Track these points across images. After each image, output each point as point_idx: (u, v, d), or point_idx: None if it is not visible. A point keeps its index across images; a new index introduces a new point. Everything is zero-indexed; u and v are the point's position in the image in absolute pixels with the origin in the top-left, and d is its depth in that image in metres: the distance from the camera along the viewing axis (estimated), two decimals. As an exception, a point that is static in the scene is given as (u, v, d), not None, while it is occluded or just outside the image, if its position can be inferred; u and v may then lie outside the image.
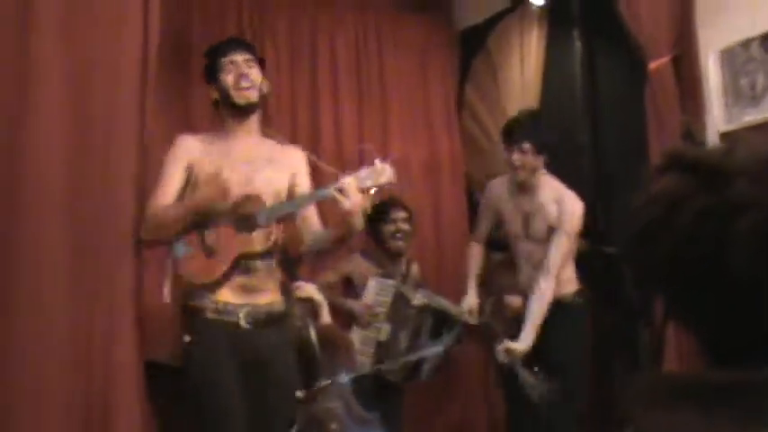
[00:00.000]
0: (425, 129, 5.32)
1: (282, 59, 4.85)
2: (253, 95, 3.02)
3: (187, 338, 2.89)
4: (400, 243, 4.25)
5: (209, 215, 2.89)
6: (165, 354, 3.21)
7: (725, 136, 3.72)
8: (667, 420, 0.89)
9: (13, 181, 2.39)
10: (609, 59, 4.68)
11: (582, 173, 4.72)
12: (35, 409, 2.37)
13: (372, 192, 2.97)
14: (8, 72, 2.43)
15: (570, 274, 3.95)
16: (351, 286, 4.25)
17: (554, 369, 3.71)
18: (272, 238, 2.98)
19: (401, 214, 4.25)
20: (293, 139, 4.37)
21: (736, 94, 3.77)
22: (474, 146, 5.35)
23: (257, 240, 2.94)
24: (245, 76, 3.02)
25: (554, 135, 4.06)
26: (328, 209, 4.54)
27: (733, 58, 3.79)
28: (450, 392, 4.89)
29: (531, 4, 4.93)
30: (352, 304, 4.10)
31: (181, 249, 2.91)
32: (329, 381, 3.58)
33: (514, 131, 3.96)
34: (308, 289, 3.68)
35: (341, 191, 2.86)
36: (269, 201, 3.01)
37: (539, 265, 3.83)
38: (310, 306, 3.64)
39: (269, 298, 3.01)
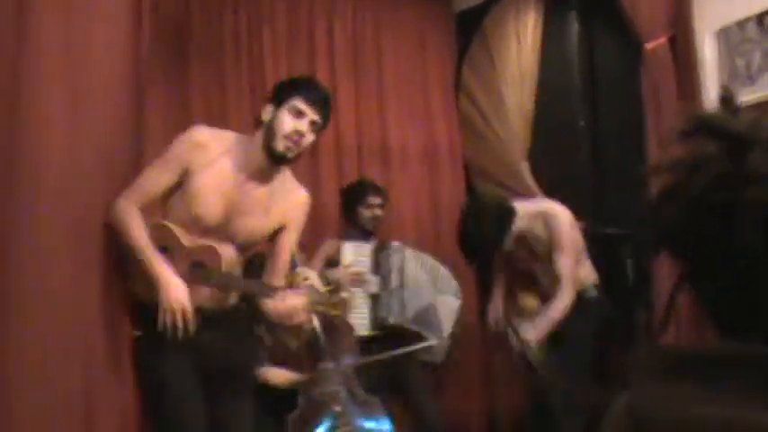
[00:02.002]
0: (423, 112, 5.31)
1: (280, 44, 4.84)
2: (290, 155, 2.84)
3: (137, 333, 2.82)
4: (375, 224, 4.40)
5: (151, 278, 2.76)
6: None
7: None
8: (664, 391, 0.89)
9: (8, 172, 2.39)
10: (606, 41, 4.68)
11: (580, 155, 4.73)
12: (35, 401, 2.38)
13: (317, 312, 3.00)
14: (4, 59, 2.42)
15: (587, 269, 3.99)
16: (337, 265, 4.29)
17: (564, 358, 3.81)
18: (230, 301, 2.95)
19: (377, 200, 4.37)
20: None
21: (733, 74, 3.78)
22: (472, 130, 5.34)
23: (209, 297, 2.87)
24: (300, 138, 2.83)
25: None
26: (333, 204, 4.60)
27: (729, 38, 3.80)
28: (449, 385, 4.91)
29: (528, -14, 4.92)
30: (331, 273, 4.15)
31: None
32: (331, 364, 3.61)
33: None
34: (309, 274, 3.70)
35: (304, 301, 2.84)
36: (241, 242, 2.91)
37: (547, 291, 3.93)
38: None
39: (215, 299, 2.91)
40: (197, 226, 2.84)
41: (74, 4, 2.59)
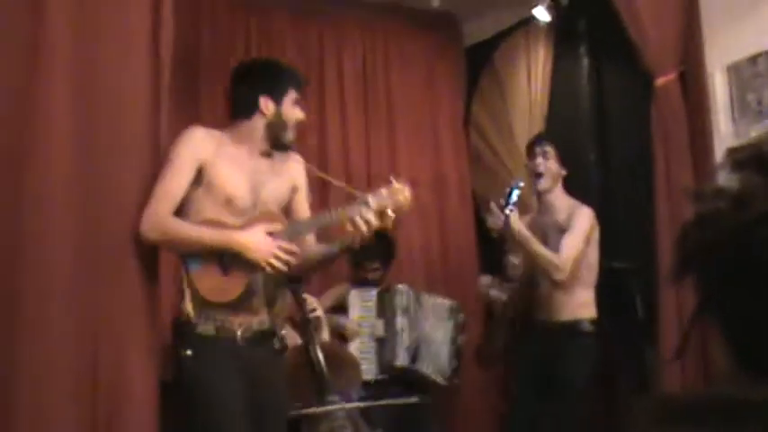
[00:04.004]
0: (432, 145, 5.33)
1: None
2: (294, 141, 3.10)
3: (189, 352, 2.80)
4: (377, 281, 4.44)
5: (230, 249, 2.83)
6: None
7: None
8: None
9: (19, 183, 2.39)
10: (616, 76, 4.68)
11: (589, 189, 4.71)
12: (41, 407, 2.36)
13: (390, 212, 2.97)
14: (17, 70, 2.44)
15: (587, 297, 3.87)
16: (343, 313, 4.34)
17: (559, 391, 3.71)
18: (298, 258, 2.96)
19: (374, 265, 4.41)
20: (300, 155, 4.39)
21: (743, 109, 3.77)
22: (481, 163, 5.35)
23: (259, 319, 2.93)
24: (302, 123, 3.10)
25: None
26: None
27: (740, 74, 3.79)
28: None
29: (538, 21, 4.94)
30: (340, 319, 4.24)
31: (195, 263, 2.83)
32: (337, 400, 3.58)
33: (539, 138, 4.02)
34: (315, 304, 3.69)
35: (367, 208, 2.85)
36: (275, 211, 3.00)
37: (557, 282, 3.82)
38: (315, 322, 3.65)
39: (262, 317, 2.95)
40: (232, 210, 2.90)
41: (88, 24, 2.61)
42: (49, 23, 2.49)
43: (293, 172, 3.14)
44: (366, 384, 3.97)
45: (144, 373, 2.70)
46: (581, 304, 3.83)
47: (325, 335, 3.72)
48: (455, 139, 5.40)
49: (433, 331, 4.31)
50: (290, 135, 3.04)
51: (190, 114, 4.41)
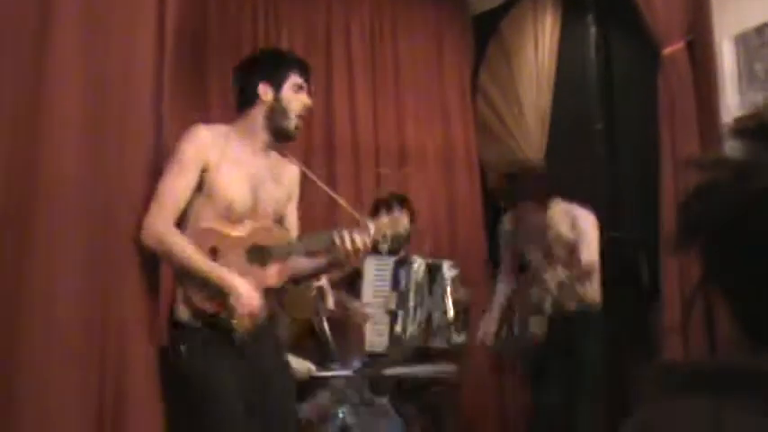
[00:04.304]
0: (440, 114, 5.33)
1: (297, 46, 4.85)
2: (298, 132, 2.99)
3: (183, 348, 2.77)
4: (398, 246, 4.32)
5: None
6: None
7: (739, 121, 3.70)
8: (676, 407, 0.89)
9: (26, 182, 2.40)
10: (623, 45, 4.66)
11: (596, 159, 4.72)
12: (46, 403, 2.38)
13: (388, 238, 2.98)
14: (25, 67, 2.45)
15: (596, 286, 3.91)
16: (359, 278, 4.28)
17: (577, 371, 3.80)
18: (285, 276, 2.94)
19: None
20: (307, 125, 4.40)
21: (751, 79, 3.76)
22: (488, 132, 5.35)
23: (271, 277, 2.88)
24: (308, 110, 2.98)
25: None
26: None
27: (747, 44, 3.77)
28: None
29: (546, -11, 4.92)
30: (351, 302, 4.15)
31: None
32: (341, 366, 3.62)
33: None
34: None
35: (366, 235, 2.82)
36: (272, 213, 2.95)
37: (561, 286, 3.86)
38: (320, 292, 3.67)
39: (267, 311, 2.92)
40: (232, 214, 2.84)
41: (96, 14, 2.60)
42: (56, 20, 2.48)
43: (290, 180, 3.07)
44: (375, 355, 3.99)
45: (147, 368, 2.70)
46: (591, 291, 3.88)
47: (330, 304, 3.74)
48: (462, 108, 5.40)
49: (440, 300, 4.31)
50: (291, 123, 2.92)
51: (198, 99, 4.41)
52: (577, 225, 3.88)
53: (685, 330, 3.63)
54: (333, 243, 2.83)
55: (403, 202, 4.38)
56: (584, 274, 3.74)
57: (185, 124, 2.93)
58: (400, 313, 4.18)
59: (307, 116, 3.00)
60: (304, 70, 3.00)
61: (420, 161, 5.17)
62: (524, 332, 3.98)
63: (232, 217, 2.85)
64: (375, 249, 4.26)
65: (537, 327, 3.90)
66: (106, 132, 2.64)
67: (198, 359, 2.77)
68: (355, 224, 2.89)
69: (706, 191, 0.90)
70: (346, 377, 3.66)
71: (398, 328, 4.16)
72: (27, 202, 2.41)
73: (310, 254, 2.99)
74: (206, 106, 4.48)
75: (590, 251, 3.80)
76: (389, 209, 4.30)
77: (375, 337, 4.09)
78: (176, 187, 2.78)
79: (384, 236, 2.92)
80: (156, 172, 2.80)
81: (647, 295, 4.07)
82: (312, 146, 4.79)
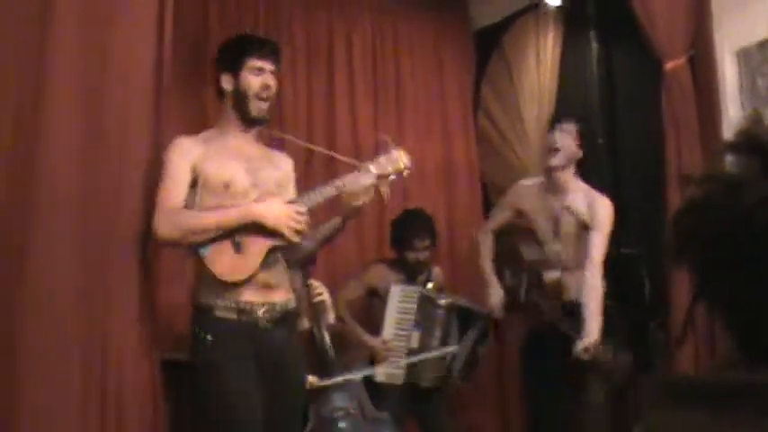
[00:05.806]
0: (441, 129, 5.33)
1: (299, 60, 4.86)
2: (266, 109, 2.99)
3: (209, 338, 2.79)
4: (420, 267, 4.26)
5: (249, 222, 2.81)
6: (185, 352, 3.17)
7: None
8: (676, 419, 0.89)
9: (27, 183, 2.40)
10: (625, 60, 4.67)
11: (599, 174, 4.71)
12: (46, 402, 2.38)
13: (391, 178, 2.98)
14: (24, 73, 2.45)
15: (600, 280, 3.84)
16: (376, 296, 4.22)
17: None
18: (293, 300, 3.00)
19: (425, 243, 4.22)
20: (309, 139, 4.40)
21: (753, 95, 3.76)
22: (489, 147, 5.34)
23: (280, 294, 2.93)
24: (268, 89, 2.96)
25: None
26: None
27: (749, 59, 3.78)
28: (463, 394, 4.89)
29: (547, 5, 4.92)
30: (369, 340, 4.08)
31: (204, 248, 2.80)
32: (342, 378, 3.60)
33: (565, 115, 3.95)
34: (321, 288, 3.70)
35: (370, 176, 2.87)
36: (274, 192, 2.98)
37: (567, 265, 3.80)
38: (322, 305, 3.66)
39: (284, 296, 2.95)
40: (232, 193, 2.88)
41: (96, 14, 2.61)
42: (57, 20, 2.49)
43: (287, 167, 3.12)
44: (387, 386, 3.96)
45: (147, 367, 2.72)
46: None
47: (331, 318, 3.72)
48: (464, 123, 5.40)
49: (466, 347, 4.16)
50: (252, 105, 2.94)
51: (196, 103, 4.41)
52: (595, 209, 3.75)
53: (694, 343, 3.61)
54: (348, 189, 2.89)
55: (425, 229, 4.24)
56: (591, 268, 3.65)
57: (185, 124, 2.96)
58: (421, 355, 4.05)
59: (272, 97, 2.99)
60: (262, 52, 2.98)
61: (421, 175, 5.16)
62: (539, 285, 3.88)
63: (235, 195, 2.88)
64: (404, 273, 4.20)
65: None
66: (106, 133, 2.65)
67: (219, 347, 2.79)
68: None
69: (697, 206, 0.91)
70: (347, 390, 3.63)
71: (415, 374, 4.05)
72: (27, 202, 2.41)
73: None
74: (205, 107, 4.48)
75: (599, 249, 3.68)
76: (410, 239, 4.18)
77: (391, 370, 4.00)
78: (174, 186, 2.83)
79: (386, 178, 2.94)
80: (156, 171, 2.82)
81: (650, 311, 4.05)
82: (313, 156, 4.78)
